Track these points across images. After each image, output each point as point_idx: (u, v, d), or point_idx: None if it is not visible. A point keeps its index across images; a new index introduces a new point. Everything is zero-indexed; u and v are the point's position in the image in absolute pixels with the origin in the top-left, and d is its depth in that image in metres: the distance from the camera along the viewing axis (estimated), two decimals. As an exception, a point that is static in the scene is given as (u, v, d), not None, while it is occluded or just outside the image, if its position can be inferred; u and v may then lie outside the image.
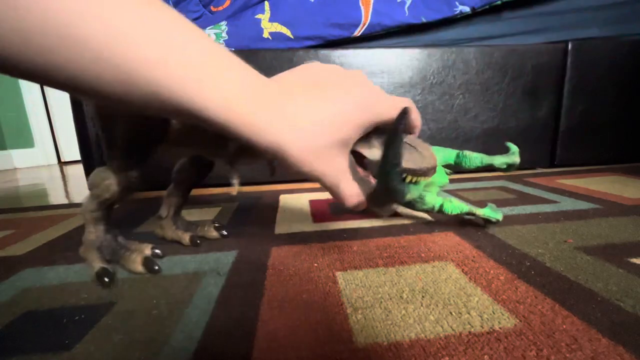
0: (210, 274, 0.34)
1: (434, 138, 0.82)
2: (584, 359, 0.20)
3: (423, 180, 0.31)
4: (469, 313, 0.26)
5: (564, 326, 0.23)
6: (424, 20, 0.77)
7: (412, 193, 0.31)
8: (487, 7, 0.77)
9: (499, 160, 0.39)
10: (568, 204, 0.53)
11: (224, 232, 0.46)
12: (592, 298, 0.27)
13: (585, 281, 0.29)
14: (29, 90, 1.77)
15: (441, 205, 0.40)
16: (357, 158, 0.30)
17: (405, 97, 0.30)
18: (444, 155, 0.39)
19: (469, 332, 0.23)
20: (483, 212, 0.41)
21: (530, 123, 0.84)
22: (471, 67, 0.79)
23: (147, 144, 0.35)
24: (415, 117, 0.32)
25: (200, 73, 0.20)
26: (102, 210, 0.36)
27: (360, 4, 0.76)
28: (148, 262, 0.35)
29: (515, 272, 0.32)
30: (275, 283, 0.31)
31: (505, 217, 0.48)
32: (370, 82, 0.28)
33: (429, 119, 0.81)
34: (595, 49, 0.82)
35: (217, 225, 0.46)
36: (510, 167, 0.40)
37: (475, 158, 0.39)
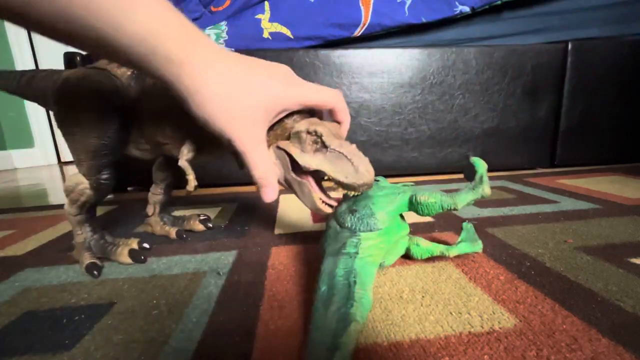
0: (210, 274, 0.34)
1: (434, 138, 0.82)
2: (584, 359, 0.20)
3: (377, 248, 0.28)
4: (469, 313, 0.25)
5: (564, 326, 0.23)
6: (424, 20, 0.77)
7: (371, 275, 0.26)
8: (487, 7, 0.77)
9: (464, 198, 0.30)
10: (568, 204, 0.53)
11: (210, 225, 0.47)
12: (592, 298, 0.27)
13: (585, 281, 0.29)
14: (29, 90, 1.76)
15: (407, 250, 0.34)
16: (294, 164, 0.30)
17: (336, 90, 0.31)
18: (395, 205, 0.31)
19: (469, 332, 0.23)
20: (457, 250, 0.33)
21: (530, 123, 0.84)
22: (471, 67, 0.79)
23: (109, 149, 0.36)
24: (343, 111, 0.32)
25: (127, 4, 0.21)
26: (84, 214, 0.37)
27: (360, 4, 0.76)
28: (134, 254, 0.37)
29: (515, 272, 0.32)
30: (275, 283, 0.31)
31: (505, 217, 0.48)
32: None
33: (429, 119, 0.81)
34: (595, 49, 0.82)
35: (202, 218, 0.48)
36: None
37: (433, 204, 0.30)
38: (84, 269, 0.35)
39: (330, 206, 0.31)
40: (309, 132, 0.30)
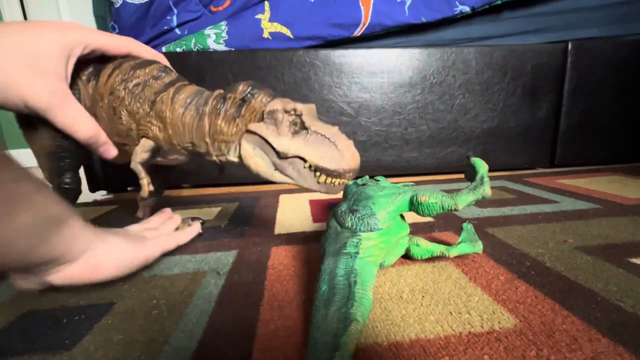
0: (210, 274, 0.34)
1: (434, 138, 0.82)
2: (584, 359, 0.20)
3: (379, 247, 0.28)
4: (469, 313, 0.26)
5: (564, 326, 0.23)
6: (424, 20, 0.77)
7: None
8: (487, 6, 0.77)
9: (465, 198, 0.30)
10: (568, 204, 0.53)
11: (200, 231, 0.46)
12: (592, 298, 0.27)
13: (585, 281, 0.29)
14: (29, 90, 1.76)
15: (407, 250, 0.34)
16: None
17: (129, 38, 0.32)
18: (395, 205, 0.31)
19: (469, 332, 0.23)
20: (457, 250, 0.34)
21: (530, 123, 0.84)
22: (471, 67, 0.79)
23: (66, 151, 0.34)
24: (143, 50, 0.33)
25: None
26: None
27: (360, 4, 0.76)
28: None
29: (515, 272, 0.32)
30: (275, 283, 0.31)
31: (505, 217, 0.48)
32: None
33: (429, 119, 0.81)
34: (595, 49, 0.81)
35: (190, 223, 0.46)
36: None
37: (433, 205, 0.30)
38: None
39: (337, 177, 0.27)
40: (286, 111, 0.27)
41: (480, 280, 0.30)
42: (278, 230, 0.47)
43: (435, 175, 0.85)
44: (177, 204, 0.64)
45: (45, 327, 0.26)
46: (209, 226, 0.49)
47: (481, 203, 0.56)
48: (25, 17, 1.65)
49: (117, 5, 0.76)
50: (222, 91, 0.33)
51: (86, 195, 0.79)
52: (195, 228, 0.44)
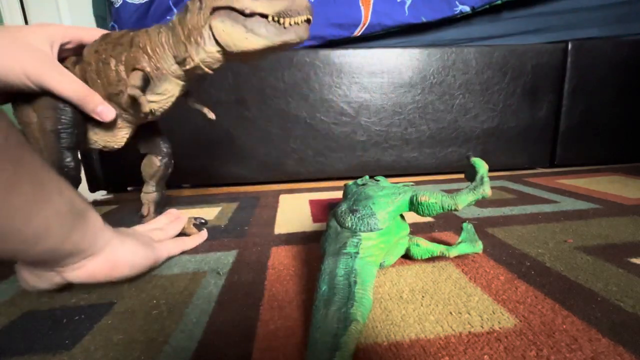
0: (210, 274, 0.34)
1: (434, 138, 0.82)
2: (584, 359, 0.20)
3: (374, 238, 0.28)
4: (469, 313, 0.26)
5: (564, 326, 0.23)
6: (424, 20, 0.77)
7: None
8: (487, 6, 0.77)
9: (465, 198, 0.30)
10: (568, 204, 0.53)
11: (204, 229, 0.46)
12: (592, 298, 0.27)
13: (585, 281, 0.29)
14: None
15: (407, 250, 0.34)
16: None
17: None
18: (395, 205, 0.30)
19: (469, 332, 0.23)
20: (457, 250, 0.34)
21: (530, 123, 0.84)
22: (471, 67, 0.79)
23: (67, 128, 0.36)
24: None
25: None
26: None
27: (360, 4, 0.76)
28: None
29: (515, 272, 0.32)
30: (275, 283, 0.31)
31: (505, 217, 0.48)
32: None
33: (429, 119, 0.81)
34: (595, 49, 0.81)
35: (196, 222, 0.46)
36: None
37: (433, 205, 0.30)
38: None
39: (308, 21, 0.33)
40: None
41: (480, 280, 0.30)
42: (278, 230, 0.47)
43: (435, 175, 0.85)
44: (177, 204, 0.64)
45: (45, 327, 0.26)
46: (209, 226, 0.49)
47: (481, 203, 0.56)
48: (25, 17, 1.65)
49: (117, 5, 0.76)
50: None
51: (86, 195, 0.79)
52: (202, 235, 0.44)
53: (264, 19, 0.33)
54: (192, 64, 0.36)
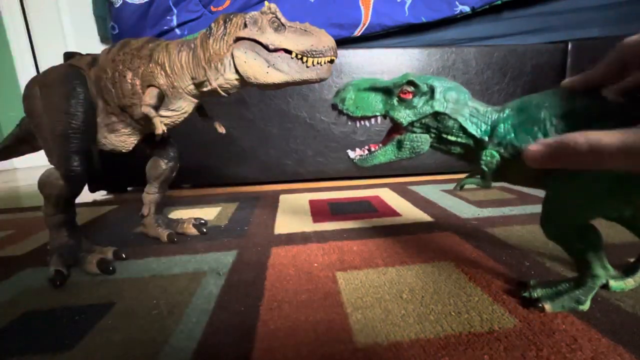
0: (210, 274, 0.34)
1: (434, 138, 0.82)
2: (584, 359, 0.20)
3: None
4: (468, 313, 0.25)
5: (564, 326, 0.23)
6: (424, 20, 0.77)
7: None
8: (487, 7, 0.77)
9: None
10: (568, 204, 0.53)
11: (204, 230, 0.46)
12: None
13: (585, 281, 0.29)
14: (29, 90, 1.76)
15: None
16: None
17: None
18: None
19: (469, 332, 0.23)
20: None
21: (530, 123, 0.84)
22: (471, 67, 0.79)
23: (77, 132, 0.36)
24: None
25: None
26: (60, 214, 0.37)
27: (360, 4, 0.76)
28: (102, 264, 0.35)
29: (515, 272, 0.32)
30: (275, 283, 0.31)
31: (505, 217, 0.48)
32: None
33: (429, 119, 0.81)
34: (595, 49, 0.81)
35: (196, 223, 0.47)
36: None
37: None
38: (48, 278, 0.33)
39: (332, 62, 0.33)
40: (263, 13, 0.32)
41: (480, 280, 0.30)
42: (278, 230, 0.47)
43: (435, 175, 0.85)
44: (177, 204, 0.64)
45: (45, 327, 0.26)
46: (209, 226, 0.49)
47: (481, 203, 0.56)
48: (25, 18, 1.65)
49: (117, 6, 0.76)
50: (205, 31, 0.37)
51: (86, 195, 0.79)
52: None
53: (288, 55, 0.33)
54: (209, 88, 0.36)
